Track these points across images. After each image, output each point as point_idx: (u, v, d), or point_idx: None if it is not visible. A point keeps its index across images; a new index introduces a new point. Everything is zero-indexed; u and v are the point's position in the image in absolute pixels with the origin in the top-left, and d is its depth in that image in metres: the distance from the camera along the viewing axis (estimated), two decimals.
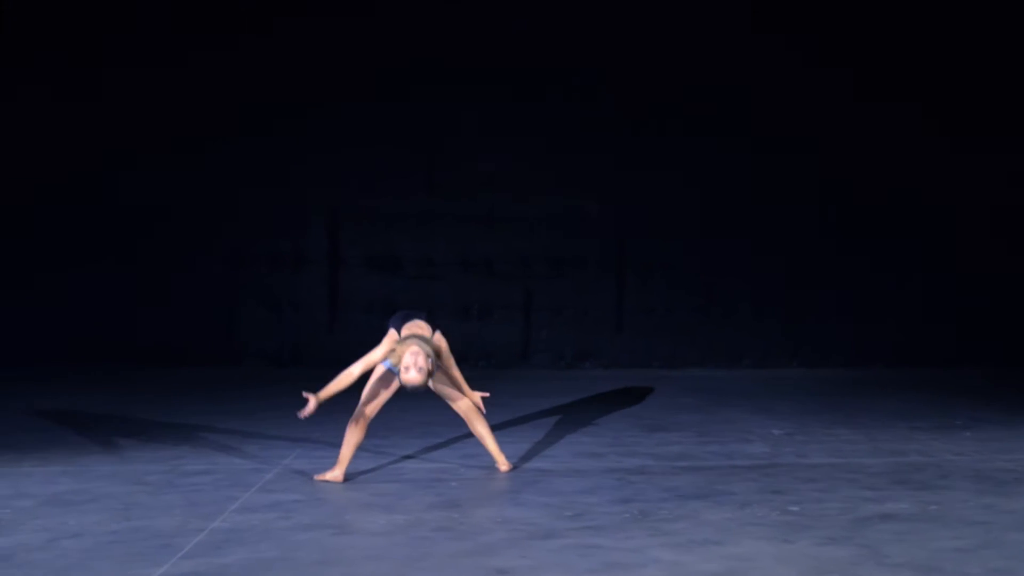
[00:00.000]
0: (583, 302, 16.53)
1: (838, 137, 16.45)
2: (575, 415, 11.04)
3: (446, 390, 7.82)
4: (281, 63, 15.90)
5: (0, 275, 15.49)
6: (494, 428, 8.28)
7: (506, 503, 6.93)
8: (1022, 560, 5.46)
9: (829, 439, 9.62)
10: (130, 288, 15.70)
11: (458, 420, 8.20)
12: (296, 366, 15.84)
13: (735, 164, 16.45)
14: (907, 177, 16.51)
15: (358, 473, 7.84)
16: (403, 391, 7.56)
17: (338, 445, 8.12)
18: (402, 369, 7.29)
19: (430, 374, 7.37)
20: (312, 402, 7.28)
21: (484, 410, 7.92)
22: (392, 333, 7.52)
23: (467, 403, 7.85)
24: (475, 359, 15.35)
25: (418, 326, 7.59)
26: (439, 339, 7.64)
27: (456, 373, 7.74)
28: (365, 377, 7.61)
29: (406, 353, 7.29)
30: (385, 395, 7.68)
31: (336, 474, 7.60)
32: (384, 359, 7.51)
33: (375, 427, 8.09)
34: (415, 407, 9.48)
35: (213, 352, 15.91)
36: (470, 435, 8.44)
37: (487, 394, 7.99)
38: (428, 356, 7.34)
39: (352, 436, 7.60)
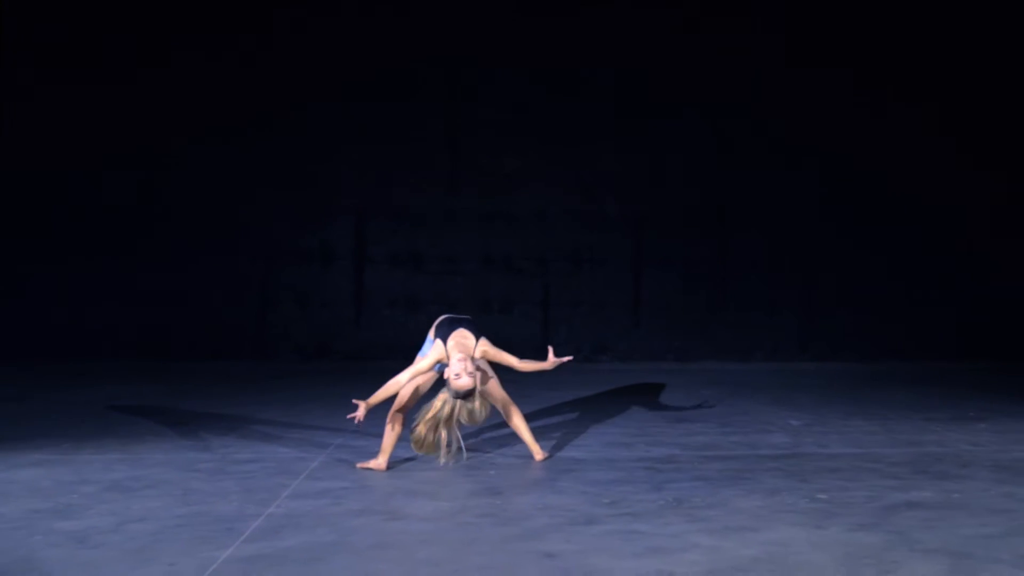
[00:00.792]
0: (600, 297, 16.61)
1: (847, 136, 16.43)
2: (599, 407, 11.11)
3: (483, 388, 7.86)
4: (312, 62, 16.04)
5: (42, 272, 15.47)
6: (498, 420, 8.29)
7: (545, 490, 6.98)
8: None
9: (848, 430, 9.66)
10: (167, 285, 15.76)
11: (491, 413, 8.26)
12: (324, 359, 15.91)
13: (749, 162, 16.46)
14: (915, 174, 16.51)
15: (398, 462, 7.91)
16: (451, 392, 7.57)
17: (375, 435, 8.25)
18: (452, 377, 7.34)
19: (478, 380, 7.39)
20: (362, 408, 7.34)
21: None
22: (439, 344, 7.54)
23: (504, 397, 7.89)
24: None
25: (463, 335, 7.64)
26: (484, 344, 7.67)
27: (511, 359, 7.75)
28: None
29: (454, 360, 7.35)
30: (423, 386, 7.74)
31: (379, 463, 7.67)
32: (432, 367, 7.57)
33: (411, 419, 8.16)
34: None
35: (247, 346, 15.96)
36: (501, 425, 8.51)
37: (568, 358, 7.97)
38: (475, 363, 7.40)
39: (393, 427, 7.65)
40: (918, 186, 16.66)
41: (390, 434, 7.72)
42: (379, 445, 7.94)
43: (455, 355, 7.47)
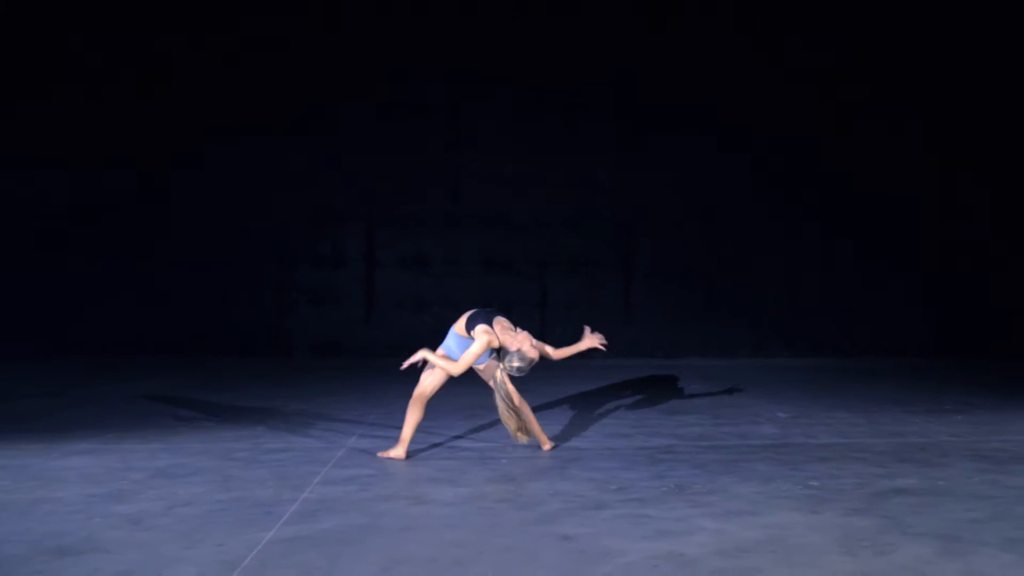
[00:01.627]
0: (594, 298, 16.68)
1: (825, 141, 16.57)
2: (597, 401, 11.23)
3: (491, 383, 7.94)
4: (325, 80, 16.11)
5: (74, 272, 15.61)
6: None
7: (555, 477, 7.08)
8: None
9: (832, 421, 9.77)
10: (192, 285, 15.87)
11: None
12: (337, 356, 16.00)
13: (733, 168, 16.60)
14: (881, 179, 16.63)
15: (416, 451, 8.01)
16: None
17: (392, 427, 8.42)
18: (524, 349, 7.45)
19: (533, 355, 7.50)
20: (422, 355, 7.50)
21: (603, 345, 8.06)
22: (484, 327, 7.61)
23: (513, 391, 7.95)
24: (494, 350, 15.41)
25: (505, 323, 7.73)
26: (523, 333, 7.76)
27: (548, 349, 7.89)
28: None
29: (520, 338, 7.49)
30: (441, 378, 7.82)
31: (399, 452, 7.76)
32: (483, 353, 7.64)
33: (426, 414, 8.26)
34: (455, 393, 9.60)
35: (265, 344, 16.06)
36: None
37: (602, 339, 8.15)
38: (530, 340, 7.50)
39: (412, 416, 7.77)
40: (888, 190, 16.73)
41: (411, 424, 7.79)
42: (396, 437, 8.02)
43: (517, 335, 7.54)
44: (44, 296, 15.65)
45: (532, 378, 7.90)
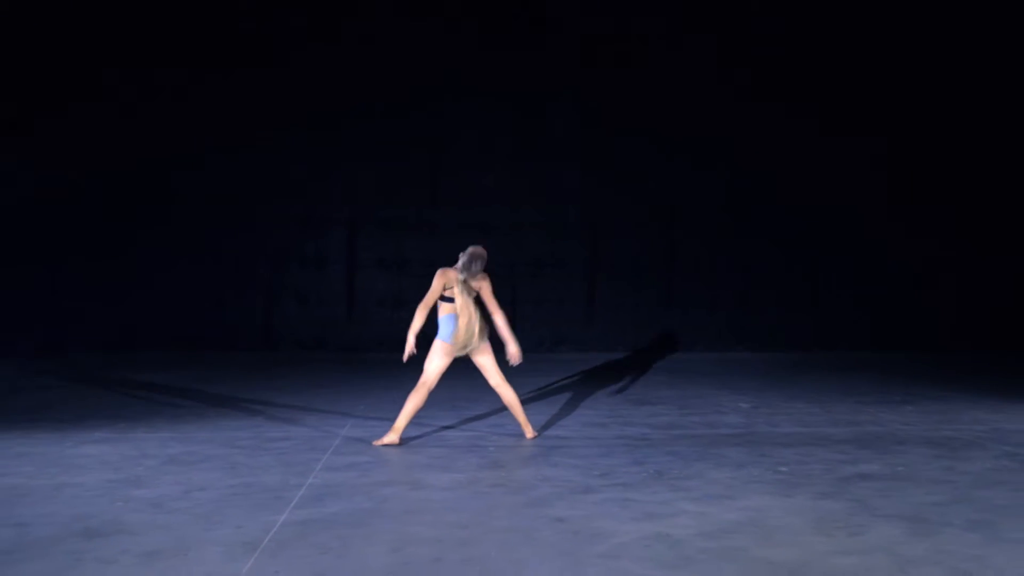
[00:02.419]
0: (560, 296, 16.72)
1: (783, 151, 16.71)
2: (571, 392, 11.28)
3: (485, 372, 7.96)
4: (311, 95, 16.08)
5: (72, 270, 15.54)
6: (501, 402, 8.39)
7: (542, 464, 7.13)
8: (994, 513, 5.71)
9: (792, 411, 9.85)
10: (186, 284, 15.80)
11: (483, 397, 8.39)
12: (321, 350, 15.96)
13: (694, 177, 16.69)
14: (814, 182, 16.78)
15: (408, 439, 8.06)
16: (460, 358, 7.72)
17: (380, 417, 8.58)
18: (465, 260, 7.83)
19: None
20: (410, 340, 7.62)
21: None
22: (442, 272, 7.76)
23: (502, 380, 7.97)
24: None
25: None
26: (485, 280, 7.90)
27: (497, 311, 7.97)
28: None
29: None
30: (444, 364, 7.82)
31: (392, 437, 7.78)
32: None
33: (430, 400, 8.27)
34: (447, 386, 9.59)
35: (254, 339, 16.03)
36: (497, 410, 8.69)
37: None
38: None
39: (412, 403, 7.78)
40: (828, 195, 16.89)
41: (409, 411, 7.81)
42: (385, 427, 8.05)
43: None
44: (40, 294, 15.45)
45: (506, 371, 7.84)
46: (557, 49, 16.32)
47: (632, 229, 16.63)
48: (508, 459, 7.32)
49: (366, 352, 15.62)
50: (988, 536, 5.17)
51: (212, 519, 5.41)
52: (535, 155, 16.46)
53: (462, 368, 8.25)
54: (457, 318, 7.52)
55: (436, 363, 7.69)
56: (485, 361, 7.83)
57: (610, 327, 16.54)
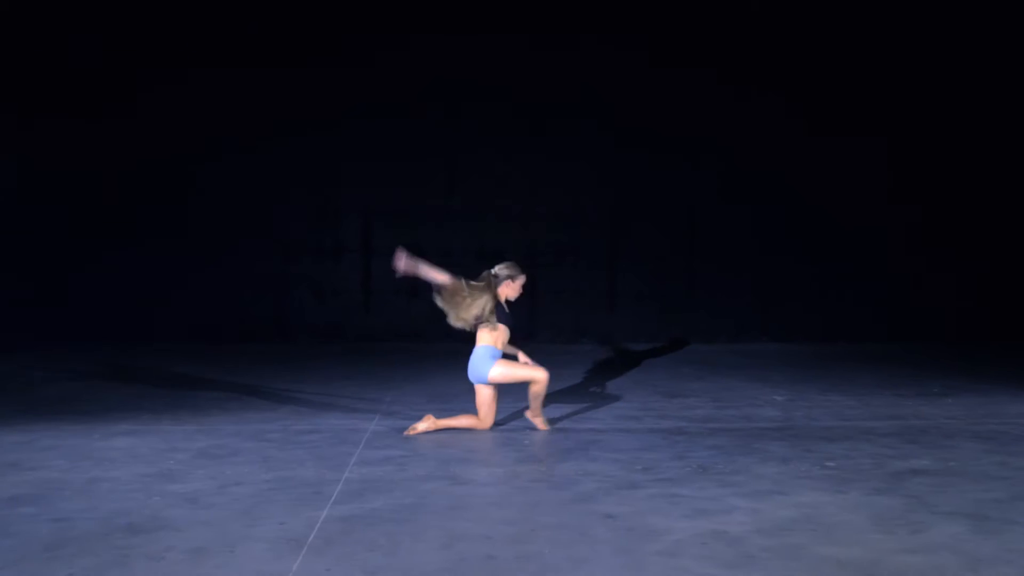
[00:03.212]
0: (581, 286, 16.67)
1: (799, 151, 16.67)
2: (597, 383, 11.24)
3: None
4: (328, 88, 16.04)
5: (90, 264, 15.54)
6: (522, 395, 8.33)
7: (581, 458, 7.07)
8: None
9: (829, 404, 9.78)
10: (199, 276, 15.77)
11: (509, 389, 8.31)
12: (337, 341, 15.92)
13: (708, 172, 16.63)
14: (850, 180, 16.75)
15: (440, 433, 7.94)
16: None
17: (407, 409, 8.59)
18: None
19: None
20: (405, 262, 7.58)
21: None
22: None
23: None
24: None
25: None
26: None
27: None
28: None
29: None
30: (494, 397, 7.92)
31: (427, 424, 7.70)
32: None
33: (434, 395, 8.20)
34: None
35: (269, 330, 15.99)
36: (523, 407, 8.52)
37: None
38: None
39: (462, 422, 7.93)
40: (841, 186, 16.87)
41: (455, 423, 7.87)
42: (413, 418, 8.29)
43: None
44: (52, 283, 15.45)
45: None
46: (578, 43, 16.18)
47: (652, 218, 16.50)
48: (546, 453, 7.27)
49: (382, 342, 15.55)
50: None
51: (253, 515, 5.35)
52: (553, 142, 16.26)
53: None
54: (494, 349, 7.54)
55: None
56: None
57: (631, 318, 16.43)
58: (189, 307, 15.67)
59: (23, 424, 8.23)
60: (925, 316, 16.72)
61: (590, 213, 16.63)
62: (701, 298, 16.68)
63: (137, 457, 6.89)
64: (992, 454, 7.25)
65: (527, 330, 15.83)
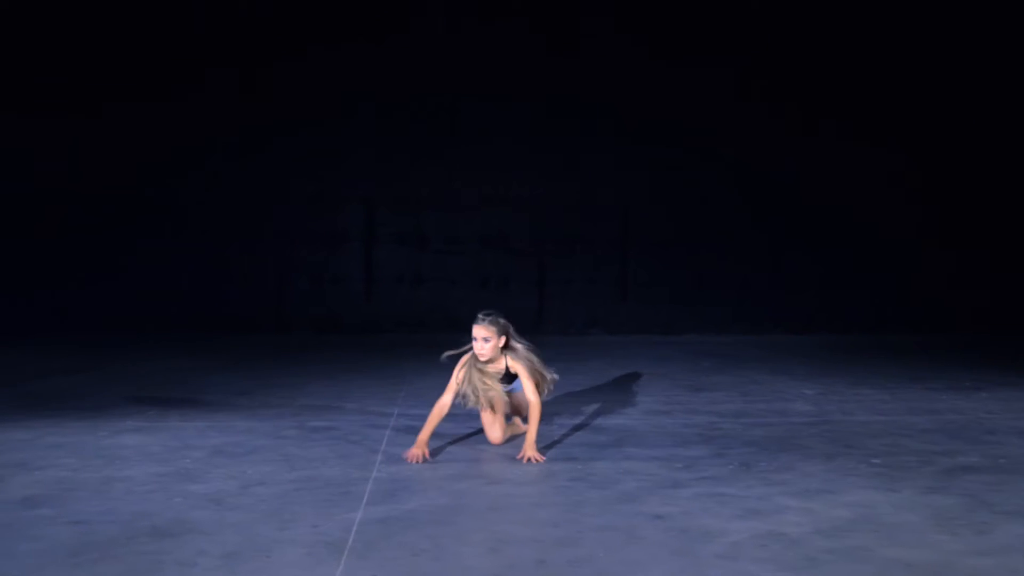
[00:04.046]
0: (591, 276, 16.58)
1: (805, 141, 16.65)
2: (614, 376, 11.20)
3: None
4: (332, 77, 15.95)
5: (86, 253, 15.45)
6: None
7: (616, 456, 6.98)
8: None
9: (861, 398, 9.69)
10: (193, 265, 15.70)
11: None
12: (337, 332, 15.83)
13: (721, 162, 16.57)
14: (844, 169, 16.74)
15: (462, 433, 7.79)
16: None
17: (424, 408, 8.16)
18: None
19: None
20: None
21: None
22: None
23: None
24: None
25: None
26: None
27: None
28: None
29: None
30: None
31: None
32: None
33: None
34: None
35: (266, 320, 15.90)
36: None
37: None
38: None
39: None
40: (859, 180, 16.85)
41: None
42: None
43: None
44: (41, 272, 15.35)
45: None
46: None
47: (664, 207, 16.41)
48: (578, 450, 7.14)
49: (385, 333, 15.46)
50: None
51: (283, 517, 5.23)
52: (563, 127, 16.17)
53: None
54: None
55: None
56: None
57: (643, 308, 16.33)
58: (184, 296, 15.59)
59: (23, 420, 8.12)
60: (939, 307, 16.62)
61: (600, 200, 16.44)
62: (713, 289, 16.61)
63: (150, 455, 6.76)
64: None
65: (535, 321, 15.74)
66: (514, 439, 7.42)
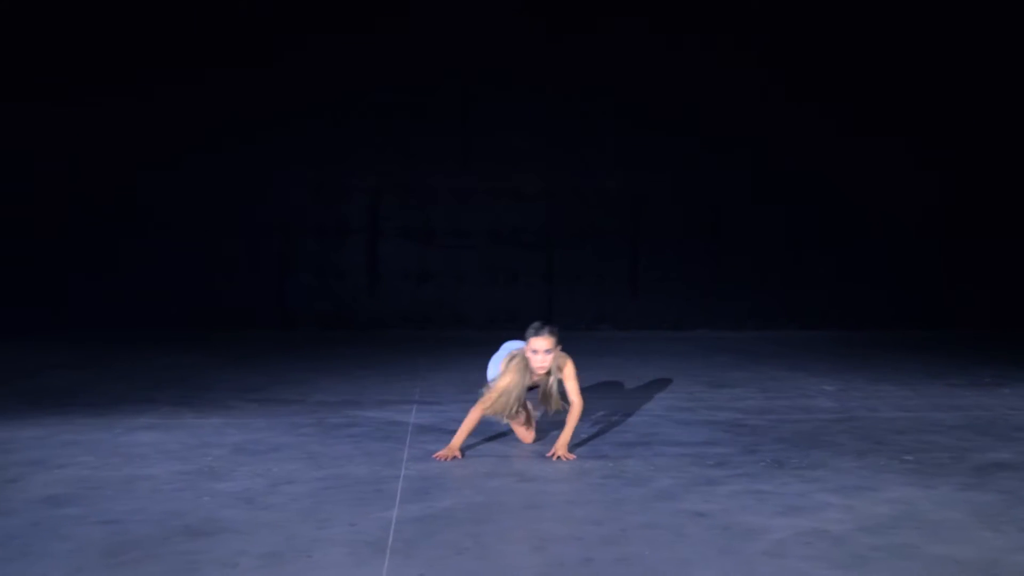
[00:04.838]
0: (600, 270, 16.61)
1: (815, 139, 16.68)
2: (632, 373, 11.23)
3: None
4: (338, 65, 15.94)
5: (88, 248, 15.44)
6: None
7: (646, 452, 7.00)
8: None
9: (883, 394, 9.75)
10: (193, 259, 15.69)
11: None
12: (341, 328, 15.84)
13: (734, 156, 16.59)
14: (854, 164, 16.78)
15: (482, 429, 7.77)
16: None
17: (439, 401, 8.22)
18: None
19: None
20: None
21: None
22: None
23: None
24: (501, 322, 15.39)
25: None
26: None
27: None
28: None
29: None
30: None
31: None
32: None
33: (464, 385, 8.06)
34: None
35: (269, 316, 15.91)
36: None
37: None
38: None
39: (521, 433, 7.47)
40: (867, 176, 16.90)
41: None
42: (449, 412, 8.12)
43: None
44: (41, 269, 15.34)
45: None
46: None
47: (676, 202, 16.45)
48: (606, 447, 7.16)
49: (390, 328, 15.47)
50: None
51: (317, 516, 5.24)
52: (572, 121, 16.20)
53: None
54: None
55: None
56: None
57: (653, 304, 16.35)
58: (185, 292, 15.58)
59: (33, 417, 8.14)
60: (953, 303, 16.68)
61: (611, 194, 16.47)
62: (725, 284, 16.67)
63: (169, 453, 6.76)
64: None
65: (544, 316, 15.72)
66: (546, 437, 7.38)
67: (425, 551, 4.71)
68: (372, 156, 16.19)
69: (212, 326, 15.38)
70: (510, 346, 7.22)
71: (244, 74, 15.80)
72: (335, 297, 16.29)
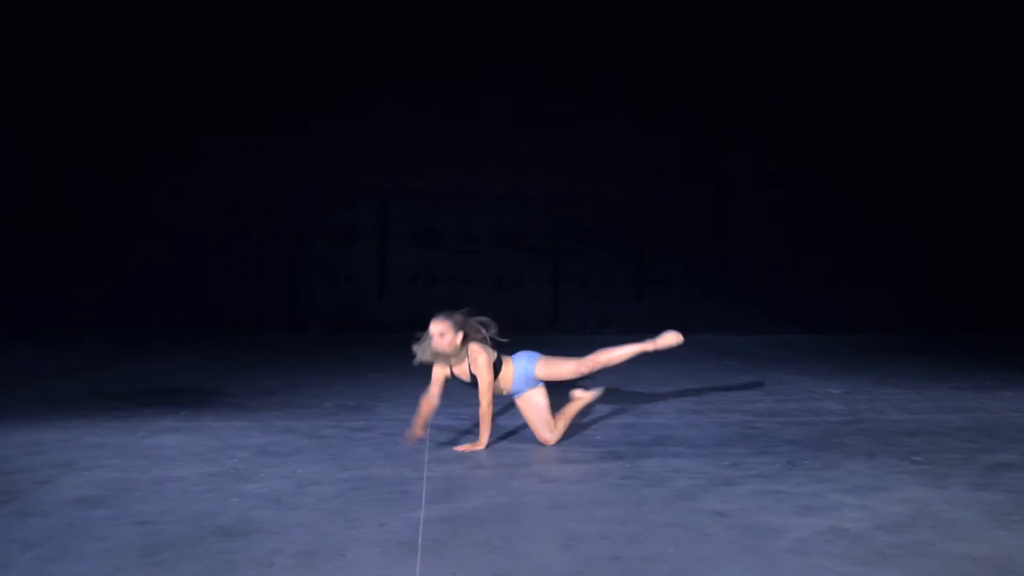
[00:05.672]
0: (606, 274, 16.65)
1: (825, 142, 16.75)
2: (641, 375, 11.17)
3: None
4: (345, 68, 16.07)
5: (95, 252, 15.47)
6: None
7: (662, 454, 7.07)
8: None
9: (888, 397, 9.80)
10: (204, 263, 15.74)
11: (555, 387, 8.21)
12: (349, 331, 15.88)
13: (739, 159, 16.65)
14: (857, 166, 16.84)
15: (495, 430, 7.84)
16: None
17: (457, 407, 8.26)
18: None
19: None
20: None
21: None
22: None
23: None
24: (507, 325, 15.37)
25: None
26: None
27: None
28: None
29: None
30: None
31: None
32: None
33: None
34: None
35: (278, 319, 15.95)
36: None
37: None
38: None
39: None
40: (869, 177, 17.00)
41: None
42: (464, 419, 8.14)
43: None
44: (50, 273, 15.39)
45: (550, 352, 7.67)
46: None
47: (681, 204, 16.50)
48: (622, 449, 7.22)
49: (399, 333, 15.45)
50: None
51: (347, 516, 5.31)
52: (577, 124, 16.25)
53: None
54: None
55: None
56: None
57: (658, 307, 16.40)
58: (195, 295, 15.62)
59: (55, 420, 8.22)
60: (955, 306, 16.73)
61: (616, 198, 16.53)
62: (730, 287, 16.73)
63: (195, 455, 6.83)
64: None
65: (550, 319, 15.84)
66: (569, 430, 7.49)
67: (456, 550, 4.78)
68: (381, 160, 16.18)
69: (221, 329, 15.38)
70: (525, 353, 7.30)
71: (253, 77, 15.74)
72: (344, 301, 16.28)
